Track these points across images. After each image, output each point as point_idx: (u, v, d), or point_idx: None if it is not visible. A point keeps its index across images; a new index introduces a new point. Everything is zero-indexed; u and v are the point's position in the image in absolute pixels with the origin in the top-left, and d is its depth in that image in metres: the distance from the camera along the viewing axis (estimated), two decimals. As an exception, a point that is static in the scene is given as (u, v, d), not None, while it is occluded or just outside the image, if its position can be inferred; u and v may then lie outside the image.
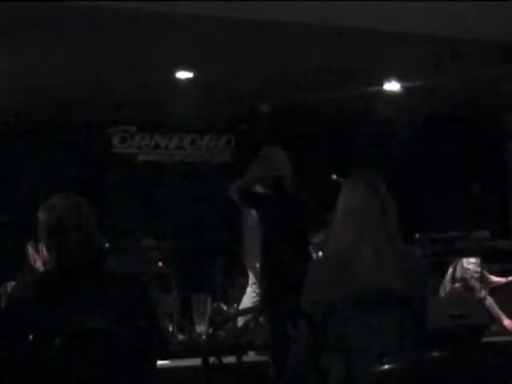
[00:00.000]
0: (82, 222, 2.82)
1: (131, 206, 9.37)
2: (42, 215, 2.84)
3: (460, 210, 8.71)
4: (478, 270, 7.12)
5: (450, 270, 7.29)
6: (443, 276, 7.19)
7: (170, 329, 6.79)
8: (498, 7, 6.67)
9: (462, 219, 8.22)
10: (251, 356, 4.90)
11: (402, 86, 8.54)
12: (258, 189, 6.04)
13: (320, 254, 6.94)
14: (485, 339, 5.41)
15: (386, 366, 2.66)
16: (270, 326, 4.78)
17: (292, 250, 5.61)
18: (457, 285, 7.16)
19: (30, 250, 6.73)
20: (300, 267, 5.45)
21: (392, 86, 8.56)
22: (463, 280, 7.12)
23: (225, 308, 7.32)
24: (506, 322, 7.06)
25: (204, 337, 4.20)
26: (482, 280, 7.18)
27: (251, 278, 6.70)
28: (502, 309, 6.98)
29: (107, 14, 6.21)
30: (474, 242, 7.50)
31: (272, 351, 4.72)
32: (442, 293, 7.20)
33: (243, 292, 6.90)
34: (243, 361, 3.95)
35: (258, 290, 6.43)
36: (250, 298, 6.68)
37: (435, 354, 2.65)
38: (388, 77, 8.34)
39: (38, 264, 6.49)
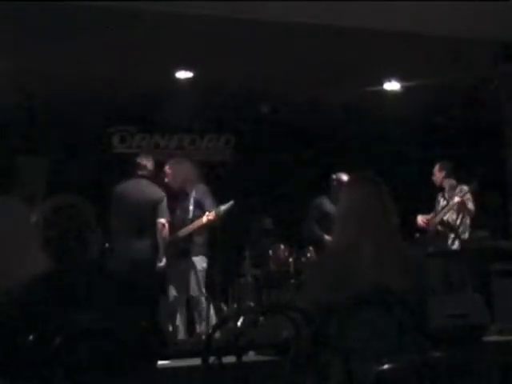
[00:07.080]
0: (68, 224, 2.77)
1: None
2: (33, 218, 2.81)
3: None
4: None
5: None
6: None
7: (170, 329, 6.79)
8: (498, 7, 6.67)
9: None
10: (251, 356, 4.90)
11: (401, 86, 8.55)
12: None
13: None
14: (485, 338, 5.41)
15: (386, 366, 2.67)
16: None
17: None
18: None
19: (31, 250, 6.73)
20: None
21: (392, 85, 8.56)
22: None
23: (225, 308, 7.32)
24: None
25: (204, 337, 4.20)
26: None
27: None
28: None
29: (107, 13, 6.22)
30: (473, 242, 7.48)
31: None
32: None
33: (243, 292, 6.90)
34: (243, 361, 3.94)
35: None
36: None
37: (435, 353, 2.65)
38: (388, 76, 8.34)
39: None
